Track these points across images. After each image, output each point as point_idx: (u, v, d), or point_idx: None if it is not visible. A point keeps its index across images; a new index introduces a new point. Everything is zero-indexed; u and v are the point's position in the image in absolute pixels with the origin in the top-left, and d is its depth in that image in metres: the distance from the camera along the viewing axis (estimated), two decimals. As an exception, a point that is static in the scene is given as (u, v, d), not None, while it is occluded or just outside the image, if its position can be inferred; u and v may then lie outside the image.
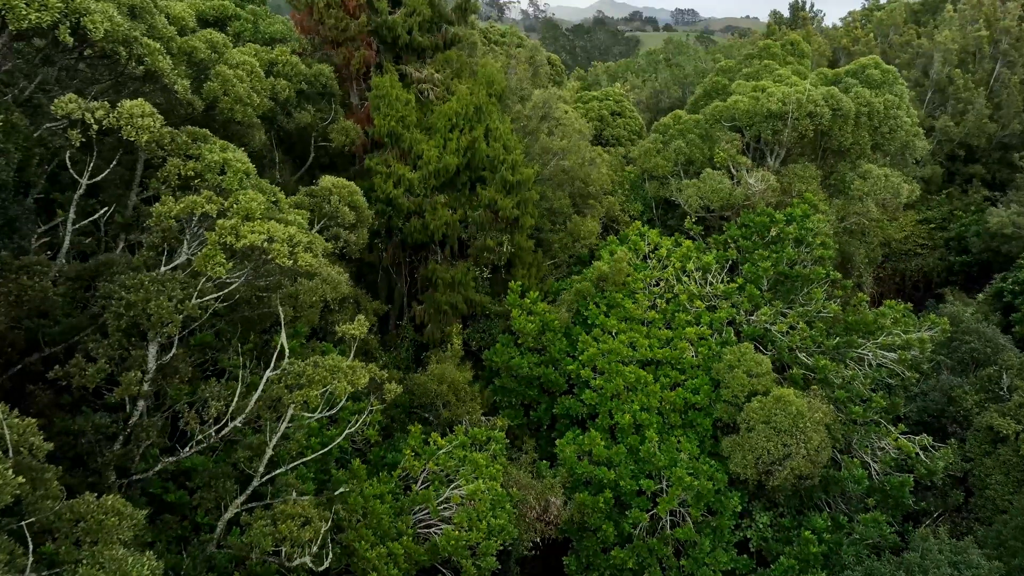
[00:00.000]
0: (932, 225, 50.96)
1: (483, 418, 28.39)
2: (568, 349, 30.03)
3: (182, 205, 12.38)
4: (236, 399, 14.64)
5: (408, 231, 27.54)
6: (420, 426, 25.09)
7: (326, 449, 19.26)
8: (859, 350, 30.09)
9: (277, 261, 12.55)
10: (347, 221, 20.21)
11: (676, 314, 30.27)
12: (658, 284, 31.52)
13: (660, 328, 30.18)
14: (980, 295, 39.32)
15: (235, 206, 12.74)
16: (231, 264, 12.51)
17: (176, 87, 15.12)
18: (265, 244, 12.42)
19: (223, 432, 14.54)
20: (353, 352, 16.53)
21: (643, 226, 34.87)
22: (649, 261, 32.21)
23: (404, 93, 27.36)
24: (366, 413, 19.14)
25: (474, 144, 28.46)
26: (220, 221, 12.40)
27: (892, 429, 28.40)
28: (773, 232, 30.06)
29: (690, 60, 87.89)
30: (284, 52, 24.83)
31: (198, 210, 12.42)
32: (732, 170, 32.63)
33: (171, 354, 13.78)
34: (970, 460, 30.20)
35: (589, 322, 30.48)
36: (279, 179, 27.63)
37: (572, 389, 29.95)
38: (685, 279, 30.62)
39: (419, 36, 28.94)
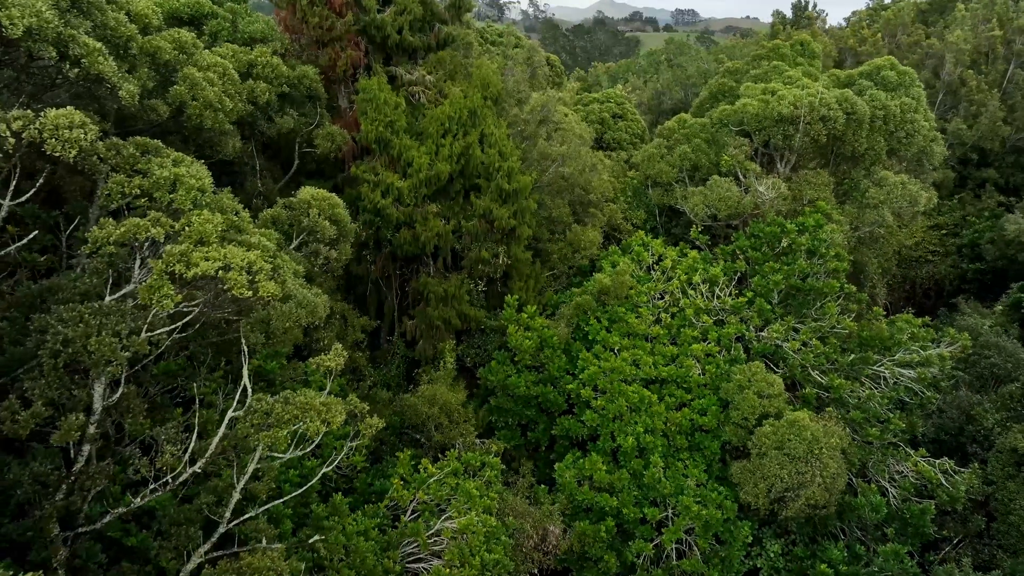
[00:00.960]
0: (944, 231, 49.34)
1: (477, 441, 26.82)
2: (568, 367, 28.44)
3: (122, 229, 10.77)
4: (194, 440, 13.00)
5: (398, 243, 25.93)
6: (409, 452, 23.49)
7: (305, 487, 17.65)
8: (875, 367, 28.50)
9: (234, 292, 10.97)
10: (327, 236, 18.59)
11: (682, 329, 28.66)
12: (662, 297, 29.91)
13: (665, 344, 28.58)
14: (999, 306, 37.67)
15: (187, 229, 11.15)
16: (180, 296, 10.93)
17: (121, 92, 13.51)
18: (220, 273, 10.83)
19: (181, 479, 12.92)
20: (330, 385, 14.90)
21: (646, 235, 33.28)
22: (653, 273, 30.59)
23: (393, 96, 25.74)
24: (347, 447, 17.50)
25: (468, 150, 26.87)
26: (168, 247, 10.81)
27: (911, 452, 26.81)
28: (784, 243, 28.45)
29: (692, 61, 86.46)
30: (264, 53, 23.21)
31: (141, 235, 10.82)
32: (740, 177, 30.99)
33: (119, 393, 12.17)
34: (992, 483, 28.57)
35: (590, 338, 28.88)
36: (260, 188, 26.08)
37: (572, 409, 28.36)
38: (691, 292, 28.99)
39: (410, 36, 27.34)
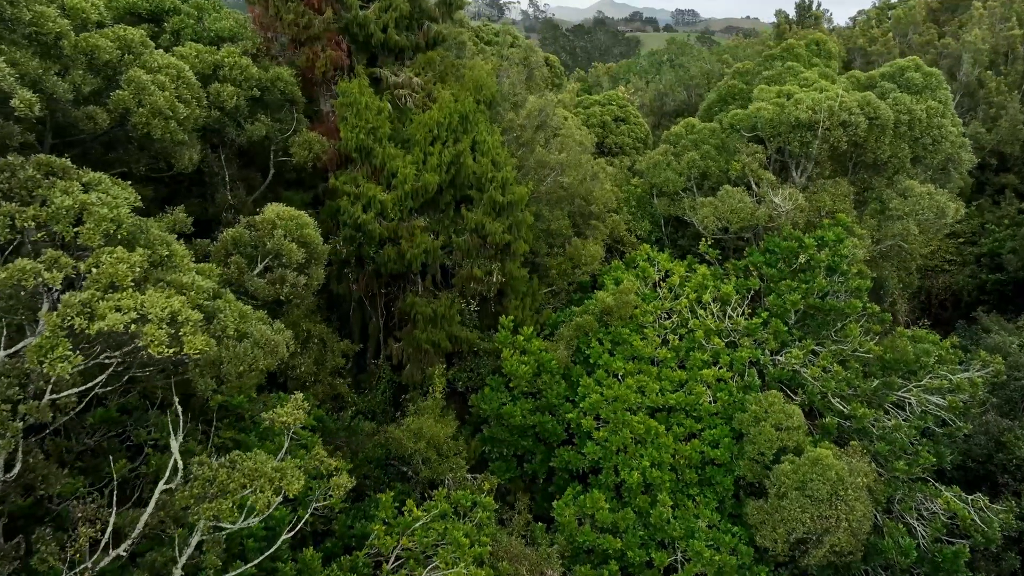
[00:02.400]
0: (961, 239, 47.05)
1: (469, 476, 24.64)
2: (567, 393, 26.24)
3: (5, 275, 8.63)
4: (113, 516, 10.80)
5: (381, 260, 23.71)
6: (392, 492, 21.29)
7: (269, 552, 15.44)
8: (899, 393, 26.30)
9: (151, 351, 8.82)
10: (295, 261, 16.38)
11: (691, 353, 26.45)
12: (669, 316, 27.68)
13: (672, 369, 26.37)
14: (1025, 322, 35.43)
15: (93, 271, 8.98)
16: (79, 358, 8.75)
17: (14, 102, 11.31)
18: (133, 326, 8.68)
19: (101, 565, 10.72)
20: (286, 446, 12.69)
21: (652, 248, 31.09)
22: (659, 290, 28.37)
23: (376, 100, 23.53)
24: (312, 507, 15.32)
25: (459, 159, 24.66)
26: (66, 296, 8.65)
27: (942, 489, 24.59)
28: (802, 259, 26.22)
29: (694, 61, 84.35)
30: (232, 53, 21.00)
31: (28, 281, 8.63)
32: (753, 186, 28.77)
33: (16, 469, 9.96)
34: (1027, 519, 26.34)
35: (591, 361, 26.67)
36: (231, 200, 23.88)
37: (572, 439, 26.17)
38: (701, 312, 26.76)
39: (396, 34, 25.13)
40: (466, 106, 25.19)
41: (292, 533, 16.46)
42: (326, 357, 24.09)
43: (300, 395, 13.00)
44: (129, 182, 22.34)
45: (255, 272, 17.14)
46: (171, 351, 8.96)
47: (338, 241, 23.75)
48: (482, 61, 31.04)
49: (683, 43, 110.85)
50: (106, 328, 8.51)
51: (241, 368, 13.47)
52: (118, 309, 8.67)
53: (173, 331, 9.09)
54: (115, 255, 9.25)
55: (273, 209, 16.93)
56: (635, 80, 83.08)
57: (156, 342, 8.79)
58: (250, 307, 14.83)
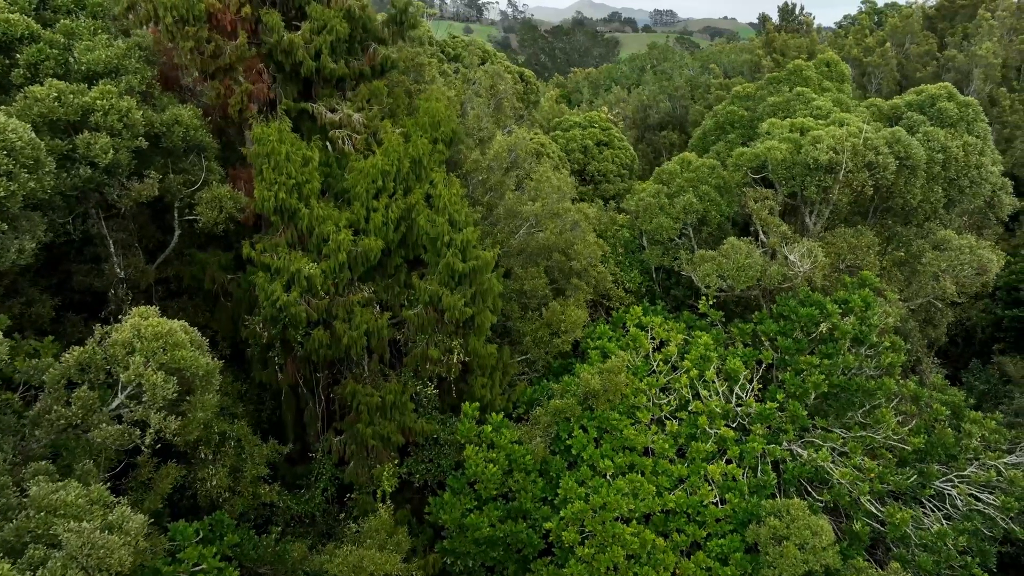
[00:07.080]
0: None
1: (425, 607, 20.08)
2: (544, 493, 21.77)
3: None
4: None
5: (310, 347, 19.04)
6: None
7: None
8: (937, 482, 22.21)
9: None
10: (160, 398, 11.70)
11: (692, 441, 22.10)
12: (666, 394, 23.31)
13: (670, 459, 22.01)
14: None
15: None
16: None
17: None
18: None
19: None
20: None
21: (643, 302, 26.73)
22: (652, 360, 23.96)
23: (302, 148, 18.85)
24: None
25: (410, 214, 20.11)
26: None
27: (997, 611, 20.52)
28: (823, 328, 21.97)
29: (677, 68, 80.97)
30: (109, 93, 16.22)
31: None
32: (762, 235, 24.46)
33: None
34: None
35: (574, 452, 22.24)
36: (121, 273, 19.05)
37: (551, 547, 21.73)
38: (704, 392, 22.40)
39: (331, 62, 20.47)
40: (419, 148, 20.62)
41: None
42: (245, 464, 19.37)
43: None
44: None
45: (110, 408, 12.45)
46: None
47: (257, 322, 19.06)
48: (444, 87, 26.45)
49: (664, 48, 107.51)
50: None
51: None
52: None
53: None
54: None
55: (131, 324, 12.21)
56: (617, 90, 79.03)
57: None
58: (78, 489, 10.31)
